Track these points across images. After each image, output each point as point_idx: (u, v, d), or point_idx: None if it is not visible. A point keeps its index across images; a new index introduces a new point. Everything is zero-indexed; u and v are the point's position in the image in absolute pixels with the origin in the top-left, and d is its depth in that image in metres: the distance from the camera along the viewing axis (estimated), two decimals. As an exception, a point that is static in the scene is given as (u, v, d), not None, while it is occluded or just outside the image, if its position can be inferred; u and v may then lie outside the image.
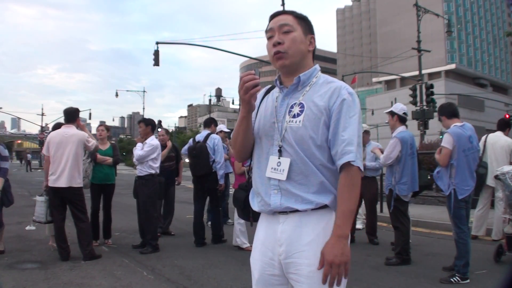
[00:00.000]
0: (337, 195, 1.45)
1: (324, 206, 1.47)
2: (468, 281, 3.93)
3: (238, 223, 5.27)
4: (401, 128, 4.74)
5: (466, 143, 4.01)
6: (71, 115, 5.07)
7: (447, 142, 4.03)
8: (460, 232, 4.00)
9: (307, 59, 1.57)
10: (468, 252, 3.96)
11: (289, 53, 1.52)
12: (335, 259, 1.35)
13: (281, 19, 1.56)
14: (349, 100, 1.46)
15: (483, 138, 6.03)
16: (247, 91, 1.43)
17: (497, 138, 5.90)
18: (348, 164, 1.42)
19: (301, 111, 1.49)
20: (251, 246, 5.38)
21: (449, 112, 4.26)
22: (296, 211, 1.46)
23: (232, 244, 5.50)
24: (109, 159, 5.62)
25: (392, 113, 4.82)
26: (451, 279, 3.93)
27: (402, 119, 4.79)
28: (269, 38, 1.58)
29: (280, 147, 1.49)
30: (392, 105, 5.07)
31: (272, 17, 1.60)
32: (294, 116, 1.49)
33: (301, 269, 1.44)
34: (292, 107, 1.51)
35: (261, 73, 1.54)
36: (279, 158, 1.48)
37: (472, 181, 4.08)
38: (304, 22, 1.57)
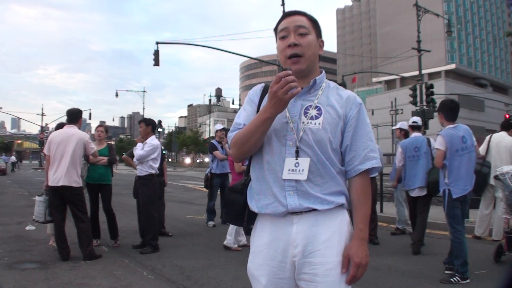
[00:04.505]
0: (353, 199, 1.51)
1: (338, 205, 1.49)
2: (468, 280, 3.94)
3: None
4: (414, 134, 5.75)
5: (458, 144, 4.07)
6: (74, 116, 5.09)
7: (439, 143, 4.13)
8: (455, 232, 4.04)
9: (317, 63, 1.58)
10: (464, 251, 3.98)
11: (305, 57, 1.50)
12: (362, 260, 1.43)
13: (297, 20, 1.53)
14: (363, 108, 1.56)
15: (487, 137, 6.03)
16: (287, 91, 1.35)
17: (501, 138, 5.92)
18: (366, 170, 1.51)
19: (319, 114, 1.48)
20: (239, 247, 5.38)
21: (449, 115, 4.25)
22: (312, 210, 1.45)
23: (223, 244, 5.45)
24: (104, 159, 5.56)
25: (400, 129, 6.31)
26: (451, 279, 3.95)
27: (413, 128, 5.87)
28: (281, 38, 1.54)
29: (297, 148, 1.46)
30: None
31: (286, 16, 1.57)
32: (312, 118, 1.47)
33: (316, 268, 1.43)
34: (307, 108, 1.49)
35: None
36: (296, 159, 1.45)
37: (469, 181, 4.10)
38: (316, 25, 1.57)
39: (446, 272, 4.22)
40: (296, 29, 1.51)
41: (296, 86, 1.36)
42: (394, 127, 6.85)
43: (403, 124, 6.53)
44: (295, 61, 1.50)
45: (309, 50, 1.51)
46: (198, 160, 60.96)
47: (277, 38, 1.59)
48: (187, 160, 65.77)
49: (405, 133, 6.41)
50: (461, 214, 4.10)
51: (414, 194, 5.48)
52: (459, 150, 4.05)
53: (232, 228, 5.34)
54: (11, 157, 42.73)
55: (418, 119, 6.03)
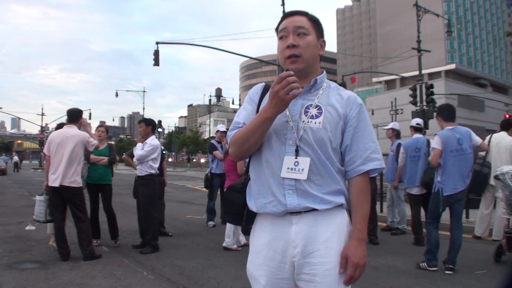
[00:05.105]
0: (352, 199, 1.51)
1: (337, 205, 1.49)
2: (435, 268, 4.33)
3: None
4: (415, 136, 5.94)
5: (454, 145, 4.27)
6: (74, 116, 5.09)
7: (436, 143, 4.35)
8: (429, 224, 4.45)
9: (317, 63, 1.58)
10: (429, 241, 4.40)
11: (303, 57, 1.50)
12: (360, 261, 1.43)
13: (297, 20, 1.53)
14: (364, 109, 1.56)
15: (487, 138, 6.05)
16: (289, 91, 1.35)
17: (501, 138, 5.94)
18: (366, 171, 1.51)
19: (320, 113, 1.48)
20: (239, 247, 5.38)
21: (446, 115, 4.50)
22: (311, 210, 1.45)
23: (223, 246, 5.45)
24: (104, 159, 5.56)
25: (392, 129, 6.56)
26: (420, 264, 4.46)
27: (416, 129, 6.00)
28: (281, 38, 1.54)
29: (297, 147, 1.46)
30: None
31: (286, 16, 1.57)
32: (312, 117, 1.47)
33: (316, 268, 1.43)
34: (308, 107, 1.49)
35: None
36: (296, 158, 1.45)
37: (460, 182, 4.25)
38: (317, 25, 1.56)
39: (446, 272, 4.23)
40: (295, 29, 1.51)
41: (297, 86, 1.36)
42: (385, 127, 6.88)
43: (395, 125, 6.79)
44: (293, 61, 1.50)
45: (307, 51, 1.51)
46: (202, 160, 60.57)
47: (278, 38, 1.59)
48: (202, 160, 64.14)
49: (396, 134, 6.65)
50: (460, 210, 4.38)
51: (414, 192, 5.75)
52: (453, 151, 4.26)
53: (229, 229, 5.34)
54: (14, 157, 42.72)
55: (421, 121, 6.29)
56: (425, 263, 4.41)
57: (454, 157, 4.25)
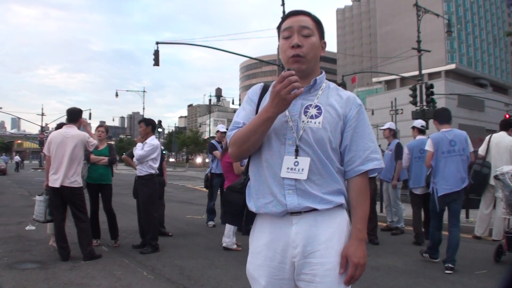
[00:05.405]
0: (352, 199, 1.51)
1: (337, 205, 1.49)
2: (436, 260, 4.64)
3: None
4: (419, 137, 6.01)
5: (445, 146, 4.41)
6: (74, 115, 5.08)
7: (428, 145, 4.55)
8: (432, 223, 4.67)
9: (318, 64, 1.58)
10: (431, 238, 4.70)
11: (307, 58, 1.50)
12: (360, 260, 1.43)
13: (302, 20, 1.53)
14: (363, 109, 1.56)
15: (487, 138, 6.06)
16: (290, 91, 1.35)
17: (501, 138, 5.94)
18: (366, 171, 1.51)
19: (319, 113, 1.48)
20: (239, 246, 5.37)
21: (441, 118, 4.64)
22: (311, 210, 1.44)
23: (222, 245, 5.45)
24: (104, 159, 5.56)
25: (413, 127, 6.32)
26: (423, 254, 4.82)
27: (420, 131, 6.14)
28: (285, 38, 1.54)
29: (297, 147, 1.46)
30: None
31: (290, 15, 1.56)
32: (312, 117, 1.47)
33: (316, 268, 1.43)
34: (307, 108, 1.50)
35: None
36: (296, 158, 1.45)
37: (454, 182, 4.33)
38: (319, 26, 1.57)
39: (446, 272, 4.24)
40: (300, 29, 1.51)
41: (299, 86, 1.36)
42: (382, 128, 6.93)
43: (392, 125, 6.90)
44: (296, 60, 1.50)
45: (311, 52, 1.51)
46: (206, 160, 60.82)
47: (280, 37, 1.58)
48: (198, 160, 64.33)
49: (393, 133, 6.77)
50: (456, 210, 4.43)
51: (418, 192, 5.85)
52: (445, 152, 4.40)
53: (229, 230, 5.33)
54: (15, 157, 42.83)
55: (425, 123, 6.47)
56: (428, 254, 4.71)
57: (445, 158, 4.38)
